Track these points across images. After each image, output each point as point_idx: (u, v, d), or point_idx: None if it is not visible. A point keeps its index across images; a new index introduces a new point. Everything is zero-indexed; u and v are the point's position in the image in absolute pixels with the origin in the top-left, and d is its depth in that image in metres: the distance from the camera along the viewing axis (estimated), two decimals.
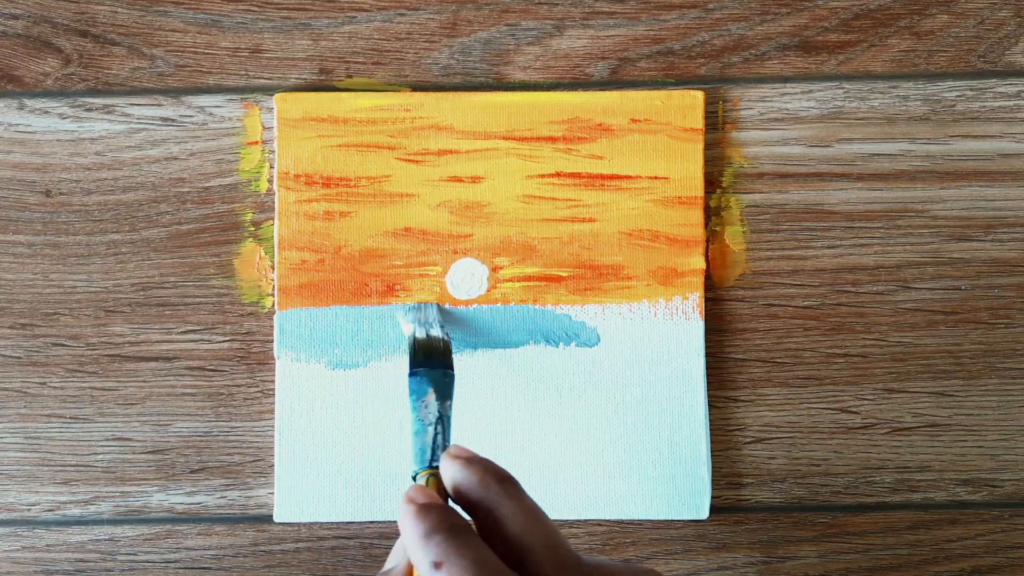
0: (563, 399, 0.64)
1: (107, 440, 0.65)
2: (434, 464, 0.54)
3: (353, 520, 0.64)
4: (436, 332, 0.61)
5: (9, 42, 0.65)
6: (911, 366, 0.65)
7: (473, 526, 0.50)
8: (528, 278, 0.64)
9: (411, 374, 0.58)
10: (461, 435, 0.64)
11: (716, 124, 0.65)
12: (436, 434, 0.55)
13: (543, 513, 0.51)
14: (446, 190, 0.64)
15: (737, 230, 0.65)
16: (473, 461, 0.52)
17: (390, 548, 0.64)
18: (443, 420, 0.56)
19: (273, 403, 0.64)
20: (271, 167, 0.65)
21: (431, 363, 0.58)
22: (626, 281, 0.64)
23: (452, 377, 0.58)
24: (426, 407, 0.56)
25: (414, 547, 0.49)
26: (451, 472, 0.52)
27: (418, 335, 0.60)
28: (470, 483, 0.51)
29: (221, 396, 0.65)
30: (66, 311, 0.65)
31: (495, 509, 0.50)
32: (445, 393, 0.57)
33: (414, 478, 0.54)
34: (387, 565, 0.53)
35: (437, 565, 0.47)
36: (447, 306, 0.64)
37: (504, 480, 0.51)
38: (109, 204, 0.65)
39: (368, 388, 0.64)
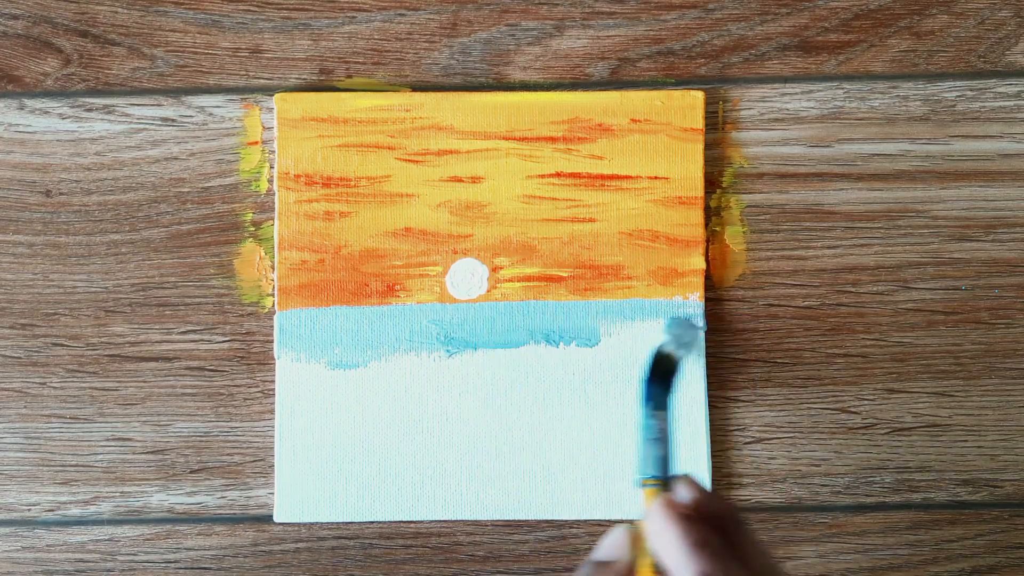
0: (563, 399, 0.64)
1: (107, 440, 0.65)
2: (662, 477, 0.54)
3: (353, 520, 0.64)
4: (682, 355, 0.60)
5: (9, 42, 0.65)
6: (911, 366, 0.65)
7: None
8: (528, 278, 0.64)
9: (650, 382, 0.57)
10: (463, 434, 0.64)
11: (716, 124, 0.65)
12: (667, 448, 0.55)
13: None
14: (446, 190, 0.64)
15: (737, 230, 0.65)
16: (716, 493, 0.53)
17: (390, 548, 0.64)
18: (670, 436, 0.56)
19: (273, 403, 0.64)
20: (271, 167, 0.65)
21: (666, 382, 0.58)
22: (626, 281, 0.64)
23: (672, 396, 0.58)
24: (658, 419, 0.56)
25: (678, 552, 0.49)
26: (699, 494, 0.52)
27: (666, 350, 0.59)
28: (720, 511, 0.52)
29: (221, 396, 0.65)
30: (66, 311, 0.65)
31: (741, 547, 0.51)
32: (671, 410, 0.57)
33: (641, 484, 0.54)
34: (601, 556, 0.52)
35: None
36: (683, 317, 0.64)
37: (746, 522, 0.52)
38: (109, 204, 0.65)
39: (368, 388, 0.64)
